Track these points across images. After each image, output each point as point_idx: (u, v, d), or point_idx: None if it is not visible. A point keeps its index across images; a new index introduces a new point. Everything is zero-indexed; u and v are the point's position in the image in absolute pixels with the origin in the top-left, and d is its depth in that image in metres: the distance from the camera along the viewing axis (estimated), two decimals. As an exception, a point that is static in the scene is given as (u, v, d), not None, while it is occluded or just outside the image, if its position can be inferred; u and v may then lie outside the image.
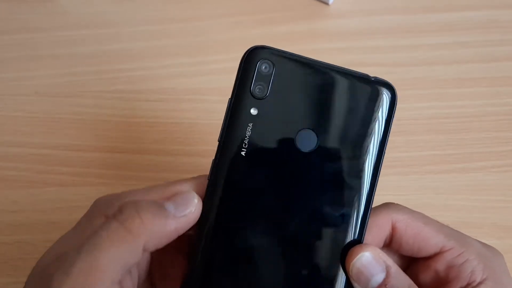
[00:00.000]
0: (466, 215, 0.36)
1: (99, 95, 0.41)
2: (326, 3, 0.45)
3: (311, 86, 0.23)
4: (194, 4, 0.46)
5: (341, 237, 0.23)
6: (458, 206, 0.36)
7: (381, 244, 0.24)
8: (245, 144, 0.22)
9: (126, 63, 0.43)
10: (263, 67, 0.22)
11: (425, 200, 0.37)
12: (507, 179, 0.37)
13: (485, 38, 0.43)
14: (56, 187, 0.38)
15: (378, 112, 0.23)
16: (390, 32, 0.44)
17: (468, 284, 0.23)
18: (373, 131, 0.23)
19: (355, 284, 0.22)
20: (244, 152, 0.22)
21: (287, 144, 0.23)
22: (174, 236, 0.21)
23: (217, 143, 0.23)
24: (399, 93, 0.41)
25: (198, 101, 0.41)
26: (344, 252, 0.22)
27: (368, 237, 0.23)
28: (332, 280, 0.22)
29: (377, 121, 0.23)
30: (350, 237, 0.22)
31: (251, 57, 0.23)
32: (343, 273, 0.22)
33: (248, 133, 0.22)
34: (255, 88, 0.22)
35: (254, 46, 0.23)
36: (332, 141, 0.23)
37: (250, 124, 0.22)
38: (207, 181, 0.23)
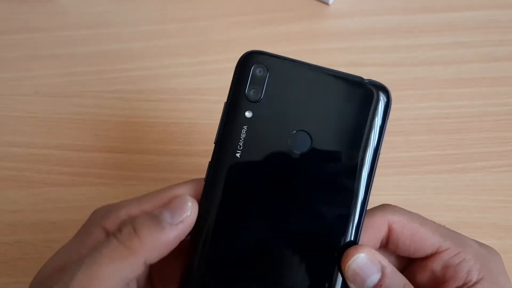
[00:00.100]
0: (466, 215, 0.36)
1: (99, 95, 0.41)
2: (326, 3, 0.45)
3: (304, 89, 0.23)
4: (194, 4, 0.46)
5: (337, 238, 0.23)
6: (458, 206, 0.36)
7: (378, 245, 0.24)
8: (240, 146, 0.23)
9: (126, 63, 0.43)
10: (258, 71, 0.23)
11: (425, 200, 0.37)
12: (507, 179, 0.37)
13: (485, 38, 0.43)
14: (56, 187, 0.38)
15: (373, 114, 0.23)
16: (390, 32, 0.44)
17: (464, 284, 0.23)
18: (367, 133, 0.23)
19: (351, 285, 0.22)
20: (239, 154, 0.23)
21: (281, 146, 0.23)
22: (175, 243, 0.22)
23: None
24: (399, 93, 0.41)
25: (198, 101, 0.41)
26: (339, 253, 0.22)
27: (364, 238, 0.23)
28: (328, 281, 0.23)
29: (371, 123, 0.23)
30: (345, 238, 0.23)
31: (246, 61, 0.23)
32: (339, 274, 0.22)
33: (242, 136, 0.23)
34: (250, 91, 0.23)
35: (249, 51, 0.23)
36: (326, 143, 0.23)
37: (245, 127, 0.23)
38: (203, 183, 0.23)
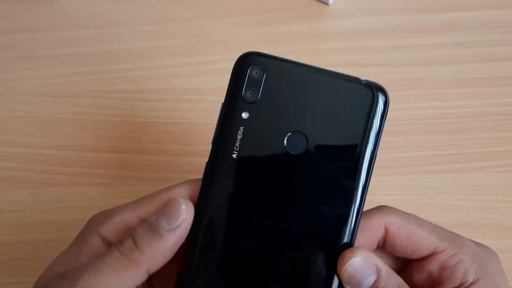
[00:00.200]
0: (466, 215, 0.36)
1: (99, 95, 0.41)
2: (326, 3, 0.45)
3: (301, 90, 0.23)
4: (194, 4, 0.46)
5: (332, 239, 0.23)
6: (458, 206, 0.36)
7: (374, 246, 0.24)
8: (236, 147, 0.23)
9: (126, 63, 0.43)
10: (254, 73, 0.23)
11: (425, 200, 0.37)
12: (507, 179, 0.37)
13: (485, 38, 0.43)
14: (56, 187, 0.38)
15: (370, 115, 0.23)
16: (390, 32, 0.44)
17: (461, 285, 0.23)
18: (364, 134, 0.23)
19: (347, 287, 0.22)
20: (235, 155, 0.23)
21: (277, 146, 0.23)
22: (175, 249, 0.22)
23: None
24: (399, 93, 0.41)
25: (198, 101, 0.41)
26: (335, 255, 0.23)
27: (360, 239, 0.23)
28: (324, 283, 0.23)
29: (368, 124, 0.23)
30: (341, 239, 0.23)
31: (243, 63, 0.23)
32: (334, 275, 0.23)
33: (239, 137, 0.23)
34: (247, 92, 0.23)
35: (246, 52, 0.23)
36: (323, 144, 0.23)
37: (241, 128, 0.23)
38: (200, 183, 0.23)
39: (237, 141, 0.23)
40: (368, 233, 0.24)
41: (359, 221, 0.23)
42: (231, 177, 0.23)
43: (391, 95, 0.41)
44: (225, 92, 0.24)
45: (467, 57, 0.42)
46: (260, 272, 0.23)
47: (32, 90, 0.42)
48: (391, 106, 0.41)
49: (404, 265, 0.26)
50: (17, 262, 0.35)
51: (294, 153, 0.23)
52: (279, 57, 0.23)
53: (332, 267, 0.23)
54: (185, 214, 0.22)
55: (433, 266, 0.24)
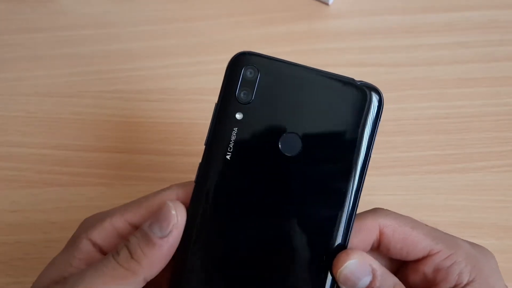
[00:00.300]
0: (466, 215, 0.36)
1: (99, 95, 0.41)
2: (326, 3, 0.45)
3: (295, 90, 0.23)
4: (194, 4, 0.46)
5: (326, 240, 0.23)
6: (458, 206, 0.36)
7: (368, 248, 0.25)
8: (230, 148, 0.23)
9: (126, 63, 0.43)
10: (248, 73, 0.23)
11: (425, 200, 0.37)
12: (507, 179, 0.37)
13: (485, 38, 0.43)
14: (56, 187, 0.38)
15: (364, 116, 0.23)
16: (390, 32, 0.44)
17: (456, 286, 0.23)
18: (358, 135, 0.23)
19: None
20: (229, 156, 0.23)
21: (271, 148, 0.23)
22: (171, 254, 0.22)
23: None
24: (399, 93, 0.41)
25: (198, 101, 0.41)
26: (329, 256, 0.23)
27: (354, 241, 0.23)
28: (316, 284, 0.23)
29: (363, 125, 0.23)
30: (334, 240, 0.23)
31: (237, 62, 0.23)
32: (328, 276, 0.23)
33: (233, 138, 0.23)
34: (240, 93, 0.23)
35: (240, 52, 0.23)
36: (317, 145, 0.23)
37: (235, 129, 0.23)
38: (189, 186, 0.23)
39: (231, 142, 0.23)
40: (362, 235, 0.24)
41: (353, 222, 0.23)
42: (225, 179, 0.23)
43: (391, 95, 0.41)
44: None
45: (467, 57, 0.42)
46: (253, 273, 0.23)
47: (32, 90, 0.42)
48: (391, 106, 0.42)
49: (399, 266, 0.26)
50: (17, 262, 0.35)
51: (288, 154, 0.23)
52: (274, 57, 0.23)
53: (325, 268, 0.23)
54: (176, 219, 0.22)
55: (428, 268, 0.24)
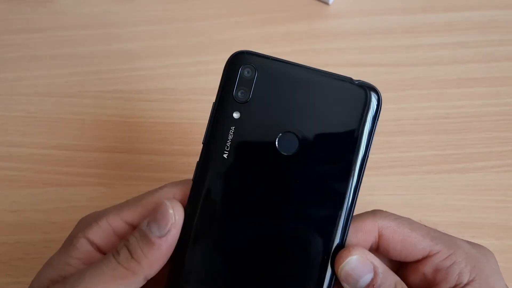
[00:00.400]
0: (466, 215, 0.36)
1: (99, 95, 0.41)
2: (326, 3, 0.45)
3: (293, 89, 0.23)
4: (194, 4, 0.46)
5: (323, 239, 0.23)
6: (458, 206, 0.36)
7: (367, 249, 0.24)
8: (227, 147, 0.23)
9: (126, 63, 0.43)
10: (246, 72, 0.23)
11: (425, 200, 0.37)
12: (507, 179, 0.37)
13: (485, 38, 0.43)
14: (56, 187, 0.38)
15: (362, 115, 0.23)
16: (390, 32, 0.44)
17: (456, 286, 0.23)
18: (356, 134, 0.23)
19: (344, 285, 0.23)
20: (226, 155, 0.23)
21: (268, 146, 0.23)
22: (170, 252, 0.22)
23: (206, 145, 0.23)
24: (399, 93, 0.41)
25: (198, 101, 0.41)
26: (326, 255, 0.23)
27: (353, 242, 0.24)
28: (313, 283, 0.23)
29: (360, 125, 0.23)
30: (331, 239, 0.23)
31: (234, 62, 0.23)
32: (325, 276, 0.23)
33: (230, 136, 0.23)
34: (238, 92, 0.23)
35: (237, 51, 0.23)
36: (313, 144, 0.23)
37: (232, 128, 0.23)
38: (183, 184, 0.24)
39: (228, 141, 0.23)
40: (360, 236, 0.24)
41: (351, 221, 0.23)
42: (222, 177, 0.23)
43: (391, 95, 0.41)
44: None
45: (467, 57, 0.42)
46: (250, 271, 0.23)
47: (32, 90, 0.42)
48: (391, 106, 0.42)
49: (399, 267, 0.26)
50: (17, 262, 0.35)
51: (285, 154, 0.23)
52: (271, 56, 0.23)
53: (322, 267, 0.23)
54: (174, 218, 0.22)
55: (427, 268, 0.24)
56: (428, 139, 0.39)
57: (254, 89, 0.23)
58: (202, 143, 0.23)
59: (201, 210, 0.23)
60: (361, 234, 0.24)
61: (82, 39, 0.44)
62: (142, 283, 0.22)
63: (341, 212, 0.23)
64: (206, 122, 0.24)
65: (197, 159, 0.24)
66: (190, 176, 0.24)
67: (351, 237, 0.23)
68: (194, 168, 0.24)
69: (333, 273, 0.23)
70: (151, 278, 0.23)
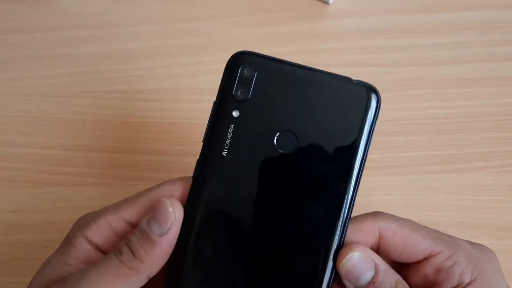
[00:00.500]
0: (466, 215, 0.36)
1: (99, 95, 0.41)
2: (326, 3, 0.45)
3: (292, 89, 0.23)
4: (194, 4, 0.46)
5: (321, 238, 0.23)
6: (458, 206, 0.36)
7: None
8: (227, 145, 0.23)
9: (126, 63, 0.43)
10: (245, 72, 0.23)
11: (425, 200, 0.37)
12: (507, 179, 0.37)
13: (485, 38, 0.43)
14: (56, 187, 0.38)
15: (361, 115, 0.23)
16: (390, 32, 0.44)
17: (457, 286, 0.23)
18: (355, 134, 0.23)
19: (345, 282, 0.23)
20: (225, 153, 0.23)
21: (267, 145, 0.23)
22: (171, 250, 0.23)
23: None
24: (399, 93, 0.41)
25: (198, 101, 0.41)
26: (324, 255, 0.23)
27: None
28: (311, 282, 0.23)
29: (359, 124, 0.23)
30: (330, 239, 0.23)
31: (234, 62, 0.23)
32: (324, 275, 0.23)
33: (229, 135, 0.23)
34: (238, 91, 0.23)
35: (238, 52, 0.24)
36: (312, 144, 0.23)
37: (232, 126, 0.23)
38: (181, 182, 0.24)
39: (227, 139, 0.23)
40: (361, 237, 0.24)
41: (349, 220, 0.23)
42: (221, 175, 0.23)
43: (391, 95, 0.41)
44: None
45: (467, 57, 0.42)
46: (248, 269, 0.23)
47: (32, 90, 0.42)
48: (391, 106, 0.42)
49: (400, 268, 0.26)
50: (17, 262, 0.35)
51: (284, 152, 0.23)
52: (271, 57, 0.23)
53: (322, 265, 0.23)
54: (174, 217, 0.22)
55: (428, 269, 0.24)
56: (428, 139, 0.39)
57: (253, 89, 0.23)
58: (202, 141, 0.24)
59: (200, 208, 0.23)
60: (361, 235, 0.24)
61: (82, 39, 0.44)
62: (144, 281, 0.22)
63: (340, 210, 0.23)
64: (206, 122, 0.24)
65: (197, 157, 0.24)
66: (190, 175, 0.24)
67: (351, 238, 0.23)
68: (194, 167, 0.24)
69: (333, 270, 0.23)
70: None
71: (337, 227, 0.23)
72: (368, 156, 0.23)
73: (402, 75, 0.42)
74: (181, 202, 0.23)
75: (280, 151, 0.23)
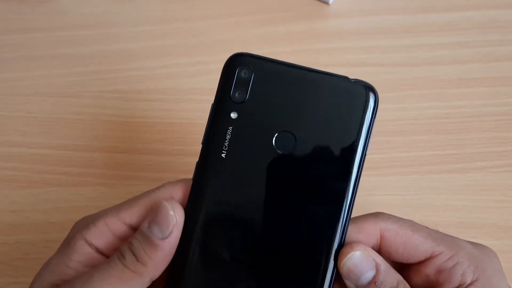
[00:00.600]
0: (466, 215, 0.36)
1: (99, 95, 0.41)
2: (326, 3, 0.45)
3: (289, 89, 0.23)
4: (194, 4, 0.46)
5: (321, 238, 0.23)
6: (458, 206, 0.36)
7: None
8: (225, 146, 0.23)
9: (126, 63, 0.43)
10: (243, 73, 0.23)
11: (425, 200, 0.37)
12: (507, 179, 0.37)
13: (485, 38, 0.43)
14: (56, 187, 0.38)
15: (358, 114, 0.23)
16: (390, 32, 0.44)
17: (459, 286, 0.23)
18: (353, 133, 0.23)
19: (346, 282, 0.23)
20: (224, 154, 0.23)
21: (265, 146, 0.23)
22: (173, 253, 0.23)
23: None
24: (399, 93, 0.41)
25: (198, 101, 0.41)
26: (325, 254, 0.23)
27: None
28: (311, 282, 0.23)
29: (357, 124, 0.23)
30: (330, 239, 0.23)
31: (231, 64, 0.24)
32: (325, 275, 0.23)
33: (228, 136, 0.23)
34: (235, 93, 0.23)
35: (235, 54, 0.24)
36: (311, 144, 0.23)
37: (230, 128, 0.23)
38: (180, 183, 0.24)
39: (226, 141, 0.23)
40: (362, 237, 0.24)
41: (350, 219, 0.23)
42: (221, 177, 0.23)
43: (391, 95, 0.41)
44: None
45: (467, 57, 0.42)
46: (251, 269, 0.23)
47: (32, 90, 0.42)
48: (391, 106, 0.42)
49: (401, 268, 0.26)
50: (17, 262, 0.35)
51: (282, 153, 0.23)
52: (268, 58, 0.24)
53: (323, 264, 0.23)
54: (175, 219, 0.22)
55: (430, 270, 0.24)
56: (428, 139, 0.39)
57: (251, 90, 0.23)
58: (202, 143, 0.24)
59: (201, 210, 0.23)
60: (363, 235, 0.24)
61: (82, 39, 0.44)
62: (147, 284, 0.22)
63: (340, 209, 0.23)
64: (205, 122, 0.24)
65: (197, 159, 0.24)
66: (190, 176, 0.24)
67: (353, 238, 0.23)
68: (193, 168, 0.24)
69: (334, 270, 0.23)
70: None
71: (337, 226, 0.23)
72: (368, 156, 0.23)
73: (402, 75, 0.42)
74: (182, 204, 0.23)
75: (279, 151, 0.23)
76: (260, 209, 0.23)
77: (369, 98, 0.23)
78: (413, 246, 0.24)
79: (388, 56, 0.43)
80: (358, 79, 0.23)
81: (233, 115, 0.23)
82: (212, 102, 0.24)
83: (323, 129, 0.23)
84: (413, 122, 0.40)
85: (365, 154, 0.23)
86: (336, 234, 0.23)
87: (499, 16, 0.44)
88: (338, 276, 0.23)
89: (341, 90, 0.23)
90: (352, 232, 0.23)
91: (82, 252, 0.23)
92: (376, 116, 0.23)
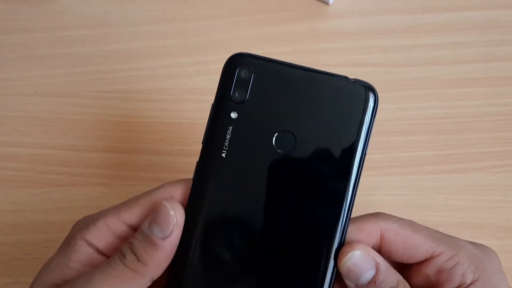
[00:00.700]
0: (466, 215, 0.36)
1: (99, 95, 0.41)
2: (326, 3, 0.45)
3: (289, 89, 0.23)
4: (194, 4, 0.46)
5: (321, 238, 0.23)
6: (458, 206, 0.36)
7: None
8: (226, 146, 0.23)
9: (126, 63, 0.43)
10: (242, 73, 0.23)
11: (425, 200, 0.37)
12: (507, 179, 0.37)
13: (485, 38, 0.43)
14: (56, 187, 0.38)
15: (358, 113, 0.23)
16: (390, 32, 0.44)
17: (459, 286, 0.23)
18: (353, 133, 0.23)
19: (346, 281, 0.23)
20: (224, 154, 0.23)
21: (265, 146, 0.23)
22: (173, 252, 0.23)
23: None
24: (399, 93, 0.41)
25: (198, 101, 0.41)
26: (325, 254, 0.23)
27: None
28: (310, 282, 0.23)
29: (357, 122, 0.23)
30: (330, 238, 0.23)
31: (231, 64, 0.24)
32: (325, 275, 0.23)
33: (228, 136, 0.23)
34: (235, 93, 0.23)
35: (234, 54, 0.24)
36: (311, 143, 0.23)
37: (230, 127, 0.23)
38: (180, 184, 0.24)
39: (226, 141, 0.23)
40: (362, 237, 0.24)
41: (349, 219, 0.23)
42: (221, 177, 0.23)
43: (391, 95, 0.41)
44: None
45: (467, 57, 0.42)
46: (251, 269, 0.23)
47: (32, 90, 0.42)
48: (391, 106, 0.42)
49: (401, 269, 0.26)
50: (17, 262, 0.35)
51: (282, 152, 0.23)
52: (268, 58, 0.24)
53: (323, 264, 0.23)
54: (176, 219, 0.22)
55: (430, 270, 0.24)
56: (428, 139, 0.39)
57: (251, 90, 0.23)
58: (202, 143, 0.24)
59: (201, 209, 0.23)
60: (363, 235, 0.24)
61: (82, 39, 0.44)
62: (148, 284, 0.22)
63: (340, 209, 0.23)
64: (206, 122, 0.24)
65: (197, 159, 0.24)
66: (190, 176, 0.24)
67: (353, 238, 0.23)
68: (194, 168, 0.24)
69: (334, 269, 0.23)
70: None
71: (337, 226, 0.23)
72: (368, 156, 0.23)
73: (402, 75, 0.42)
74: (182, 204, 0.23)
75: (279, 151, 0.23)
76: (260, 209, 0.23)
77: (369, 98, 0.23)
78: (414, 246, 0.24)
79: (388, 56, 0.43)
80: (358, 79, 0.23)
81: (233, 115, 0.23)
82: (212, 102, 0.24)
83: (323, 129, 0.23)
84: (413, 122, 0.40)
85: (365, 154, 0.23)
86: (336, 233, 0.23)
87: (499, 16, 0.44)
88: (338, 276, 0.23)
89: (341, 90, 0.23)
90: (352, 232, 0.23)
91: (82, 252, 0.23)
92: (376, 116, 0.23)
